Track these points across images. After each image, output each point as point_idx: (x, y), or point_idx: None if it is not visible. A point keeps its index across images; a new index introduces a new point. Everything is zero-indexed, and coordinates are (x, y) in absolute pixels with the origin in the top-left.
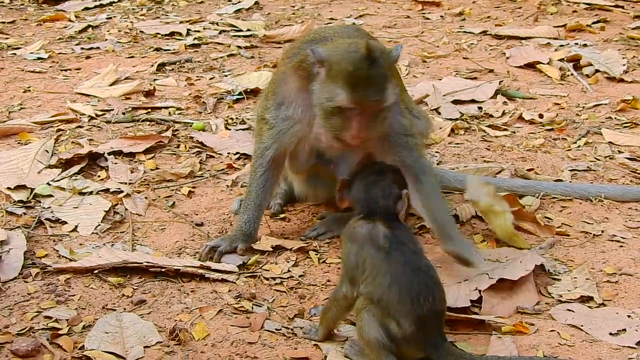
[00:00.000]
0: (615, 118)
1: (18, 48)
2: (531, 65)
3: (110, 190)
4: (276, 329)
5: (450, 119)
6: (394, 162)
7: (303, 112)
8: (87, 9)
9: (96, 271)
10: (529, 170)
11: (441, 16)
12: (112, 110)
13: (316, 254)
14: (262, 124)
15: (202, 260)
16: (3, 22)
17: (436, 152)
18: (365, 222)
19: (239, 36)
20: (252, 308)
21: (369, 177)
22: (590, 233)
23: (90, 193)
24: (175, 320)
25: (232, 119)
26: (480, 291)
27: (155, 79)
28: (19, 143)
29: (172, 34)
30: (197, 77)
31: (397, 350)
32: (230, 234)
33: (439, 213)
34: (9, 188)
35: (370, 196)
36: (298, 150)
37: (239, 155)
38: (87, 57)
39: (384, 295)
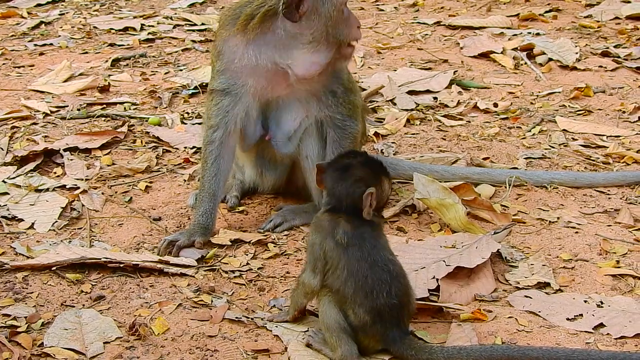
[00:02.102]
0: (568, 106)
1: None
2: (485, 55)
3: (67, 187)
4: (236, 317)
5: (406, 110)
6: (318, 115)
7: (257, 60)
8: (39, 5)
9: (54, 268)
10: (484, 159)
11: (395, 7)
12: (67, 106)
13: (275, 246)
14: (210, 99)
15: (161, 254)
16: None
17: (392, 142)
18: (329, 215)
19: (193, 30)
20: (212, 301)
21: (337, 171)
22: (546, 220)
23: (47, 190)
24: (135, 316)
25: (187, 113)
26: (437, 280)
27: (109, 75)
28: None
29: (126, 29)
30: (152, 72)
31: (356, 339)
32: (188, 227)
33: None
34: None
35: (336, 193)
36: (245, 121)
37: (195, 149)
38: (41, 54)
39: (341, 288)
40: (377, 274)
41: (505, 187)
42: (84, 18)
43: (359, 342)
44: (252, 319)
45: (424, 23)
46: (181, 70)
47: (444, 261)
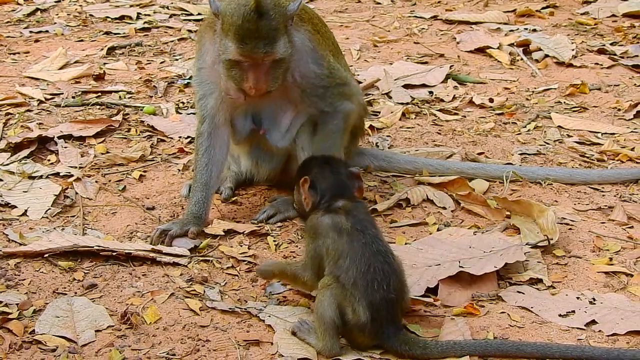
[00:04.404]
0: (564, 102)
1: None
2: (481, 50)
3: (61, 174)
4: (229, 308)
5: (402, 103)
6: (310, 111)
7: (213, 62)
8: None
9: (46, 255)
10: (479, 154)
11: (392, 1)
12: (62, 94)
13: (273, 240)
14: (195, 96)
15: (154, 244)
16: None
17: (387, 136)
18: (327, 213)
19: (189, 20)
20: (204, 292)
21: (324, 166)
22: None
23: (40, 177)
24: (127, 304)
25: (183, 103)
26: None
27: (105, 63)
28: None
29: (122, 17)
30: (148, 61)
31: (349, 337)
32: (181, 217)
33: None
34: None
35: (331, 185)
36: (231, 115)
37: (190, 139)
38: (36, 41)
39: (341, 276)
40: (379, 264)
41: (499, 182)
42: (80, 6)
43: (353, 339)
44: (244, 309)
45: (420, 17)
46: (177, 59)
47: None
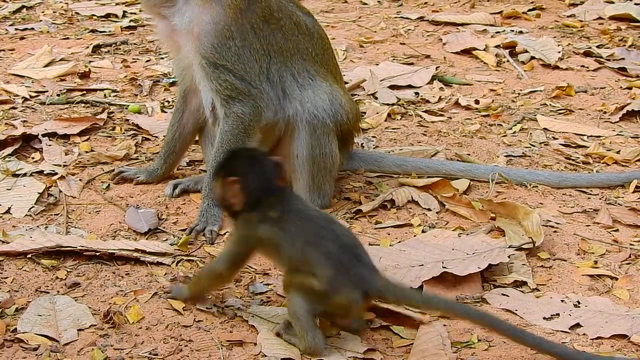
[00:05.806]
0: (550, 105)
1: None
2: (467, 52)
3: (45, 172)
4: (208, 308)
5: (387, 104)
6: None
7: None
8: None
9: (29, 255)
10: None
11: (378, 1)
12: (47, 91)
13: None
14: None
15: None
16: None
17: (373, 136)
18: (256, 210)
19: None
20: None
21: (251, 162)
22: None
23: (24, 175)
24: (110, 303)
25: (168, 101)
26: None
27: (90, 61)
28: None
29: (108, 15)
30: (133, 59)
31: (335, 310)
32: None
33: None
34: None
35: (258, 182)
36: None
37: None
38: (22, 38)
39: (289, 257)
40: (312, 227)
41: (484, 183)
42: (66, 3)
43: (338, 308)
44: (228, 309)
45: (407, 18)
46: (162, 58)
47: (442, 263)
